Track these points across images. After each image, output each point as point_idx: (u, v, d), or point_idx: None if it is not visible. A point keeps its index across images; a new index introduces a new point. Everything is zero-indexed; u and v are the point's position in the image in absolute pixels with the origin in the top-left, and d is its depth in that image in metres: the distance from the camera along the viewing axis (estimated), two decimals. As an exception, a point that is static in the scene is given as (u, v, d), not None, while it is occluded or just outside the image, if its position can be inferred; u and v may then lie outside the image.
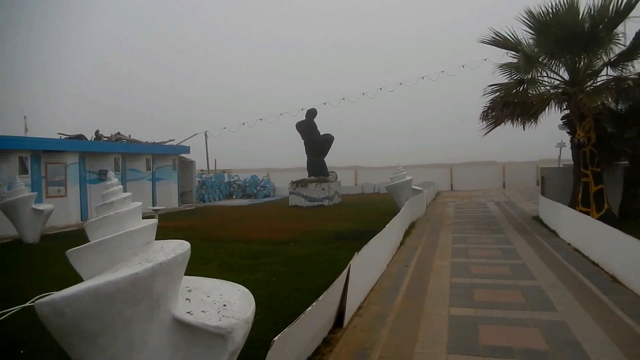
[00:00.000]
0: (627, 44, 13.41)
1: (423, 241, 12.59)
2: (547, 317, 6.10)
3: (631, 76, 13.35)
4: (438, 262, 9.74)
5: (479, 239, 12.53)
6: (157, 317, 3.35)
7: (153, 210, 18.50)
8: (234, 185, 35.83)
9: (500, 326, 5.83)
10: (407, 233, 13.98)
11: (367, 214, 19.72)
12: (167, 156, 27.27)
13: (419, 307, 6.77)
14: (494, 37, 14.78)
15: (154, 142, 27.56)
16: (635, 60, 13.65)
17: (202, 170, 39.16)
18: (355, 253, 7.00)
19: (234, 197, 34.60)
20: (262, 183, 36.41)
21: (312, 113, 26.90)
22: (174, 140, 29.42)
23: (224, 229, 16.29)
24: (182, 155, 29.27)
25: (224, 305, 3.72)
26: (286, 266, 9.99)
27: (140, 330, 3.24)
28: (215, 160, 44.77)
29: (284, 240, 13.36)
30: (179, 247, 3.75)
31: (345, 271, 6.23)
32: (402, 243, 12.26)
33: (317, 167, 26.78)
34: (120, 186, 4.13)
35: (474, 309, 6.53)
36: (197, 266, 10.10)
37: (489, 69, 15.91)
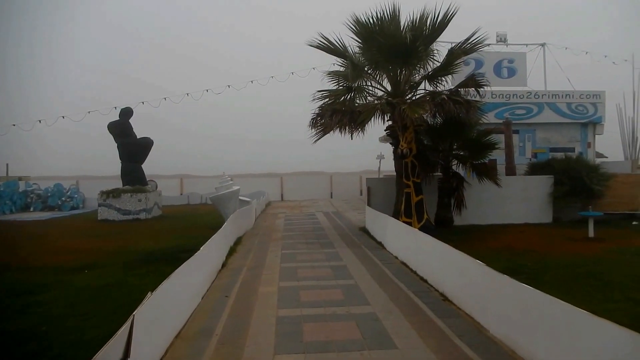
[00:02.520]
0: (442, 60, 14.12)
1: (249, 261, 11.13)
2: (388, 357, 5.11)
3: (445, 91, 14.05)
4: (264, 289, 8.35)
5: (308, 255, 11.59)
6: None
7: None
8: (31, 196, 29.71)
9: (335, 380, 4.62)
10: (232, 250, 12.40)
11: (190, 229, 17.53)
12: None
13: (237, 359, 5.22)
14: (321, 42, 14.27)
15: None
16: (449, 76, 14.45)
17: (-13, 176, 31.76)
18: (149, 294, 5.14)
19: (31, 209, 28.64)
20: (68, 193, 30.93)
21: (127, 113, 23.49)
22: (-64, 139, 22.81)
23: (-2, 254, 12.55)
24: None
25: None
26: (69, 306, 7.55)
27: None
28: (7, 164, 36.91)
29: (78, 266, 10.61)
30: None
31: (128, 324, 4.34)
32: (224, 264, 10.61)
33: (132, 175, 23.48)
34: None
35: (303, 355, 5.24)
36: None
37: (320, 78, 15.41)
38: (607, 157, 24.48)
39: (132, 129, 23.80)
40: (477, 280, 6.26)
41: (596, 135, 22.40)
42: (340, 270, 9.62)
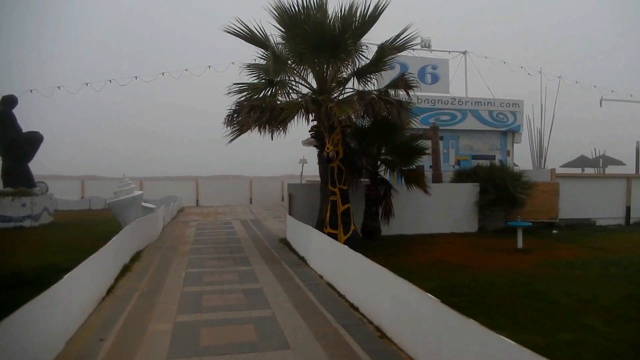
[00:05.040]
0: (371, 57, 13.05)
1: (144, 283, 9.13)
2: None
3: (374, 91, 12.99)
4: (155, 325, 6.50)
5: (219, 275, 9.80)
6: None
7: None
8: None
9: None
10: (126, 269, 10.30)
11: (82, 240, 14.86)
12: None
13: None
14: (240, 29, 12.60)
15: None
16: (378, 76, 13.40)
17: None
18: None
19: None
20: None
21: (9, 101, 20.02)
22: None
23: None
24: None
25: None
26: None
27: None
28: None
29: None
30: None
31: None
32: (111, 289, 8.55)
33: (16, 176, 20.04)
34: None
35: None
36: None
37: (239, 72, 13.68)
38: (518, 165, 25.15)
39: (15, 120, 20.32)
40: (423, 315, 4.97)
41: (515, 144, 22.76)
42: (254, 296, 7.99)
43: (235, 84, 12.41)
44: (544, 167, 25.39)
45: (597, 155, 37.34)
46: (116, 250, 9.75)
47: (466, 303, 7.65)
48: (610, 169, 35.71)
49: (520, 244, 12.89)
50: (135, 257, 11.79)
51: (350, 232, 12.26)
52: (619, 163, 36.68)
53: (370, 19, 12.20)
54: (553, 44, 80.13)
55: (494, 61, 26.01)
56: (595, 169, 36.55)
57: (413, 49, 22.79)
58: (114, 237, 9.79)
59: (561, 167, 35.71)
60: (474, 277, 9.61)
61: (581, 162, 37.68)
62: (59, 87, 20.29)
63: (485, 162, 18.81)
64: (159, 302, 7.69)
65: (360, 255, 7.17)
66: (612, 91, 25.29)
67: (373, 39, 13.17)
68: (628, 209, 19.01)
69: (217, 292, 8.27)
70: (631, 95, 25.73)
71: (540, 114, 26.71)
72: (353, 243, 11.90)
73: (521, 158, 25.41)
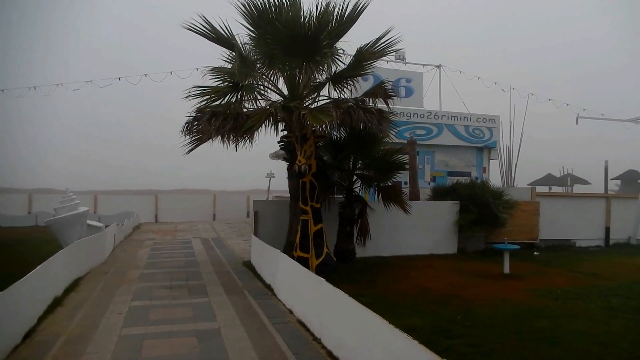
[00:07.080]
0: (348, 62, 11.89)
1: (75, 323, 7.44)
2: None
3: (351, 99, 11.80)
4: (72, 390, 4.92)
5: (169, 309, 8.20)
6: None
7: None
8: None
9: None
10: (57, 302, 8.58)
11: (14, 262, 12.77)
12: None
13: None
14: (203, 28, 11.21)
15: None
16: (354, 84, 12.24)
17: None
18: None
19: None
20: None
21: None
22: None
23: None
24: None
25: None
26: None
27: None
28: None
29: None
30: None
31: None
32: (30, 332, 6.84)
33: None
34: None
35: None
36: None
37: (203, 77, 12.26)
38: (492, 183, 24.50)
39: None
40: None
41: (490, 160, 22.07)
42: (210, 341, 6.46)
43: (195, 86, 10.96)
44: (513, 185, 24.84)
45: (565, 173, 37.49)
46: (43, 281, 8.05)
47: (466, 347, 6.41)
48: (577, 188, 35.83)
49: (507, 268, 11.85)
50: (72, 286, 10.04)
51: (323, 256, 10.88)
52: (584, 182, 36.88)
53: (348, 19, 11.06)
54: (531, 67, 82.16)
55: (468, 76, 25.45)
56: (563, 188, 36.61)
57: (387, 61, 22.08)
58: (41, 265, 8.09)
59: (528, 184, 35.66)
60: (466, 310, 8.40)
61: (548, 180, 37.70)
62: (2, 91, 18.21)
63: (462, 179, 17.90)
64: (87, 353, 6.06)
65: (339, 291, 5.80)
66: (584, 109, 25.08)
67: (349, 50, 12.08)
68: (607, 230, 18.44)
69: (164, 336, 6.70)
70: (602, 114, 25.60)
71: (509, 131, 26.34)
72: (326, 268, 10.60)
73: (490, 175, 24.85)
